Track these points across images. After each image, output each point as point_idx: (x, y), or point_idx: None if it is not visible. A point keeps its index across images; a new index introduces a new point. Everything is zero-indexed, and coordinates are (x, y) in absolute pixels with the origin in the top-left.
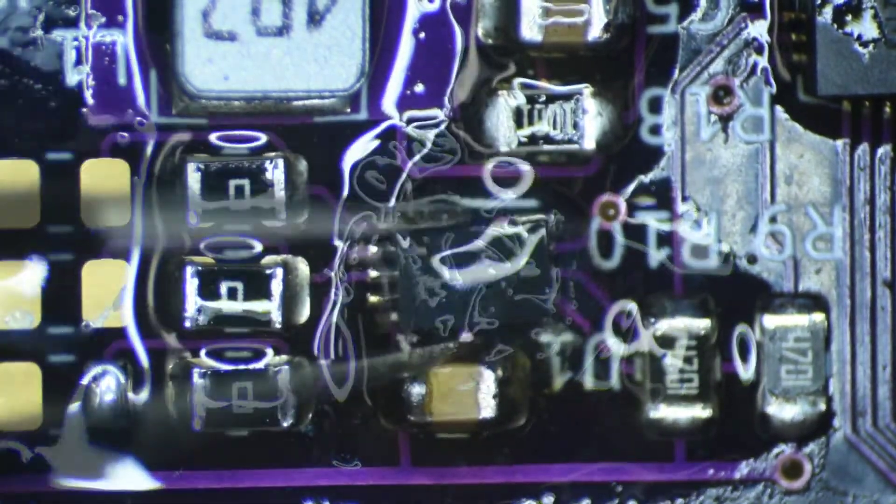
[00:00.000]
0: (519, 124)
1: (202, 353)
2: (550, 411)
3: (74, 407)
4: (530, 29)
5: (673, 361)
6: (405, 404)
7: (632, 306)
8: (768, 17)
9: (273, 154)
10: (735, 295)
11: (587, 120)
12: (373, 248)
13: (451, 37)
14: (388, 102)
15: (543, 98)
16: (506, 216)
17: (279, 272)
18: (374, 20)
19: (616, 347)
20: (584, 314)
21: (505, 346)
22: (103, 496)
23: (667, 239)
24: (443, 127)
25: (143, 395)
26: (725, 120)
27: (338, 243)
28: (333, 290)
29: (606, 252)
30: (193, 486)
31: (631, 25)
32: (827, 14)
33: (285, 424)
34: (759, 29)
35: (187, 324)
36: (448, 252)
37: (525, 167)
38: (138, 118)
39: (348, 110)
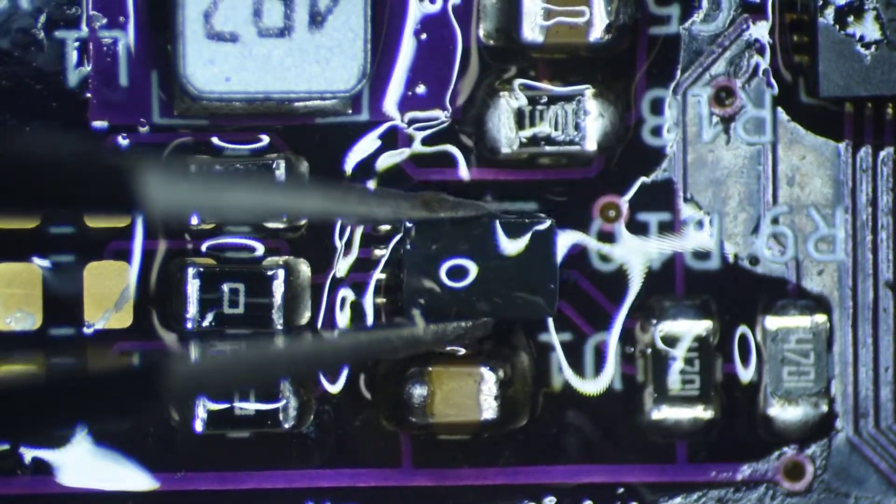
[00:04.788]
0: (520, 125)
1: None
2: (551, 412)
3: None
4: (532, 30)
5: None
6: (407, 406)
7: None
8: (770, 19)
9: (275, 155)
10: (737, 296)
11: (589, 121)
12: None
13: (453, 38)
14: (390, 103)
15: (545, 99)
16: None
17: (281, 273)
18: (376, 21)
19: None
20: (584, 317)
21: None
22: (105, 497)
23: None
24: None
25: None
26: (727, 121)
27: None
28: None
29: (605, 255)
30: (195, 488)
31: (632, 26)
32: (829, 15)
33: (287, 426)
34: (760, 30)
35: (189, 325)
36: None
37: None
38: (140, 119)
39: (350, 111)
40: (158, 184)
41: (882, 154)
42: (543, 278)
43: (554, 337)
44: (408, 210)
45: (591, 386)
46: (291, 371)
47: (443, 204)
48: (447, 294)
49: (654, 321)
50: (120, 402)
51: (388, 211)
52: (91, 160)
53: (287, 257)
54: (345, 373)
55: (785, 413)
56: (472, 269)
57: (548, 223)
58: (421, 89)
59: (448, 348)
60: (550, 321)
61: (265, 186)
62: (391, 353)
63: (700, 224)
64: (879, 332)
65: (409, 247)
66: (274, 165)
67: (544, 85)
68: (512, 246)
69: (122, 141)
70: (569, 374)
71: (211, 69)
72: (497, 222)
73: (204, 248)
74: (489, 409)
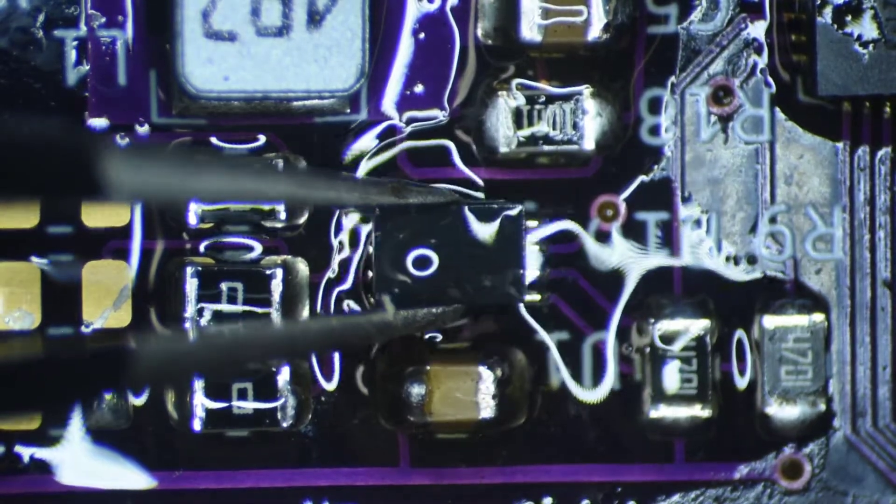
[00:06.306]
0: (518, 125)
1: None
2: (549, 411)
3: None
4: (530, 29)
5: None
6: (405, 404)
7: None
8: (768, 18)
9: (273, 154)
10: (734, 295)
11: (587, 120)
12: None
13: (451, 37)
14: (388, 103)
15: (543, 99)
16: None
17: (279, 272)
18: (374, 20)
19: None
20: (581, 315)
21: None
22: (104, 496)
23: (667, 240)
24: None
25: (143, 396)
26: (725, 120)
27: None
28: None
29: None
30: (193, 487)
31: (630, 26)
32: (827, 14)
33: (285, 425)
34: (758, 29)
35: (187, 324)
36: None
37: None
38: (138, 118)
39: (348, 110)
40: (124, 165)
41: (880, 153)
42: (511, 265)
43: (549, 337)
44: (377, 196)
45: (591, 395)
46: (262, 357)
47: (412, 190)
48: (416, 281)
49: (652, 320)
50: (84, 385)
51: (357, 197)
52: (59, 142)
53: (285, 256)
54: (340, 370)
55: (783, 412)
56: (440, 255)
57: (517, 209)
58: (419, 88)
59: (421, 335)
60: (548, 320)
61: (234, 170)
62: (363, 340)
63: (698, 223)
64: (877, 330)
65: (378, 234)
66: (272, 164)
67: (542, 84)
68: (482, 232)
69: (120, 140)
70: (567, 377)
71: (209, 68)
72: (466, 208)
73: (202, 247)
74: (487, 408)
